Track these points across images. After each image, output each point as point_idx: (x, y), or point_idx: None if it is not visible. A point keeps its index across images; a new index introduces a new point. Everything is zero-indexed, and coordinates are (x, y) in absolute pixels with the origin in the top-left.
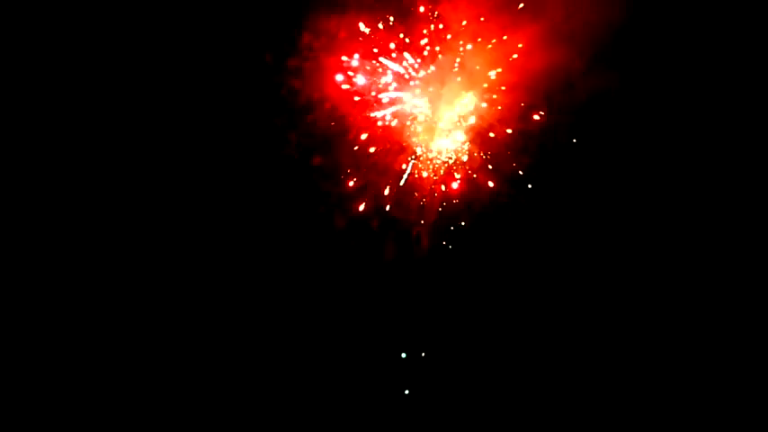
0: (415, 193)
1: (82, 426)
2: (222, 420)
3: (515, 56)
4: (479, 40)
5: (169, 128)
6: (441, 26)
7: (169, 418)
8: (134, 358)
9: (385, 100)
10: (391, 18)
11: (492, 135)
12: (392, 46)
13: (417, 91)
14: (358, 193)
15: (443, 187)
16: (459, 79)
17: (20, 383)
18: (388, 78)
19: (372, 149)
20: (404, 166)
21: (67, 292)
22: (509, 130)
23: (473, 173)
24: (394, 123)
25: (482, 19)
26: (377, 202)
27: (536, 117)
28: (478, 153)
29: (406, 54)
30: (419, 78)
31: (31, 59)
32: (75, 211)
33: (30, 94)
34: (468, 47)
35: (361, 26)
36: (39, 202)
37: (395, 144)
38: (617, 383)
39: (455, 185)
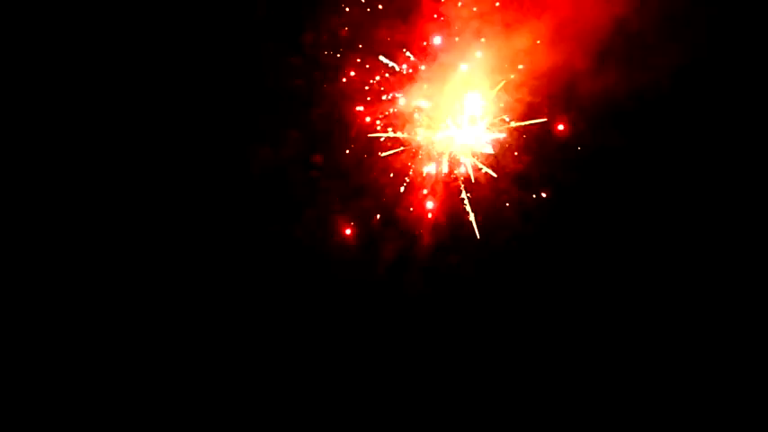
0: (417, 192)
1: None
2: (222, 420)
3: (519, 54)
4: (483, 38)
5: (168, 127)
6: (443, 21)
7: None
8: (133, 358)
9: (386, 98)
10: (394, 15)
11: (495, 133)
12: (394, 44)
13: (419, 89)
14: (359, 192)
15: (445, 186)
16: (462, 77)
17: (20, 383)
18: (390, 76)
19: (373, 148)
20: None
21: (67, 291)
22: (512, 129)
23: (475, 171)
24: (395, 121)
25: (497, 3)
26: (377, 201)
27: (540, 116)
28: (481, 151)
29: (408, 52)
30: (421, 76)
31: (30, 59)
32: (75, 211)
33: (29, 94)
34: (472, 44)
35: (363, 23)
36: (39, 201)
37: (396, 142)
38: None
39: (457, 184)
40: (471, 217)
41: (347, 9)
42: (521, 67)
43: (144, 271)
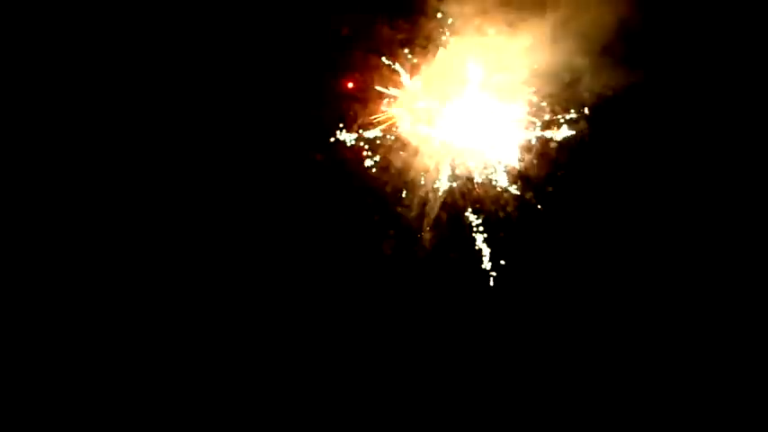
0: (418, 191)
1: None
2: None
3: (523, 52)
4: (484, 35)
5: (166, 125)
6: (445, 19)
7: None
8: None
9: (386, 97)
10: (395, 13)
11: (498, 133)
12: (395, 42)
13: (421, 88)
14: (358, 190)
15: (446, 184)
16: (462, 76)
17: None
18: (390, 75)
19: (374, 146)
20: (405, 164)
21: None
22: (513, 128)
23: (476, 170)
24: (395, 120)
25: None
26: (377, 200)
27: (540, 115)
28: (483, 151)
29: (407, 50)
30: (423, 76)
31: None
32: (74, 211)
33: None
34: (473, 43)
35: (364, 21)
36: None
37: (396, 141)
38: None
39: (457, 183)
40: (473, 217)
41: (348, 7)
42: (535, 66)
43: (143, 270)
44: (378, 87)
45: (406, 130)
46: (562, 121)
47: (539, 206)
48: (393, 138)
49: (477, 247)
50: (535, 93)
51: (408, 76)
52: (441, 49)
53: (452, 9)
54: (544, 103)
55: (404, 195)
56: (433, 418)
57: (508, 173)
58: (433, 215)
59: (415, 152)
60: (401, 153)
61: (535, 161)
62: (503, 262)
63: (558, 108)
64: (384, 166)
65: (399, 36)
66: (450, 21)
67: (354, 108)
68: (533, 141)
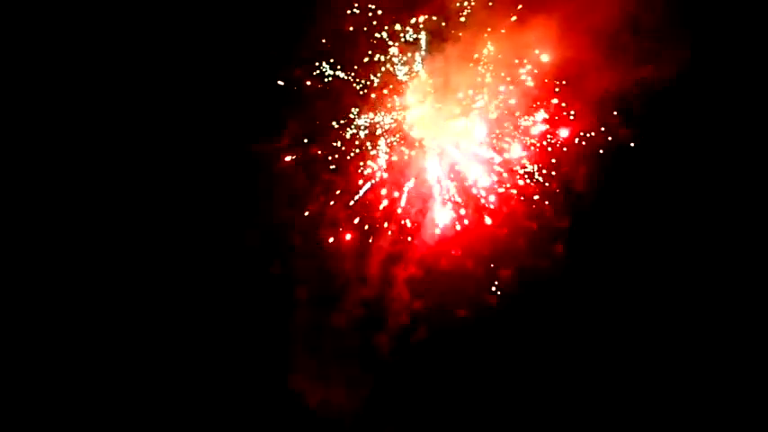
0: (419, 186)
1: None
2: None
3: (527, 48)
4: (488, 32)
5: (166, 121)
6: (447, 18)
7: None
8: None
9: (390, 93)
10: (398, 10)
11: (499, 129)
12: (398, 38)
13: (422, 85)
14: (360, 186)
15: (448, 179)
16: (468, 72)
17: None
18: (394, 71)
19: (376, 142)
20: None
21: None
22: (517, 124)
23: (479, 165)
24: (398, 116)
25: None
26: (379, 195)
27: (544, 111)
28: (486, 146)
29: (411, 47)
30: (425, 71)
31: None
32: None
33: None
34: (477, 39)
35: (367, 19)
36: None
37: (399, 136)
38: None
39: (460, 178)
40: (474, 213)
41: (353, 4)
42: (538, 60)
43: (140, 266)
44: (380, 83)
45: (409, 128)
46: (567, 117)
47: (543, 200)
48: (396, 135)
49: (478, 246)
50: (541, 90)
51: (413, 72)
52: (447, 44)
53: (457, 6)
54: (550, 104)
55: (405, 193)
56: (435, 416)
57: (510, 170)
58: (434, 212)
59: (419, 149)
60: (403, 150)
61: (540, 156)
62: (503, 261)
63: (564, 105)
64: (387, 164)
65: (405, 32)
66: (454, 17)
67: (358, 104)
68: (538, 138)
